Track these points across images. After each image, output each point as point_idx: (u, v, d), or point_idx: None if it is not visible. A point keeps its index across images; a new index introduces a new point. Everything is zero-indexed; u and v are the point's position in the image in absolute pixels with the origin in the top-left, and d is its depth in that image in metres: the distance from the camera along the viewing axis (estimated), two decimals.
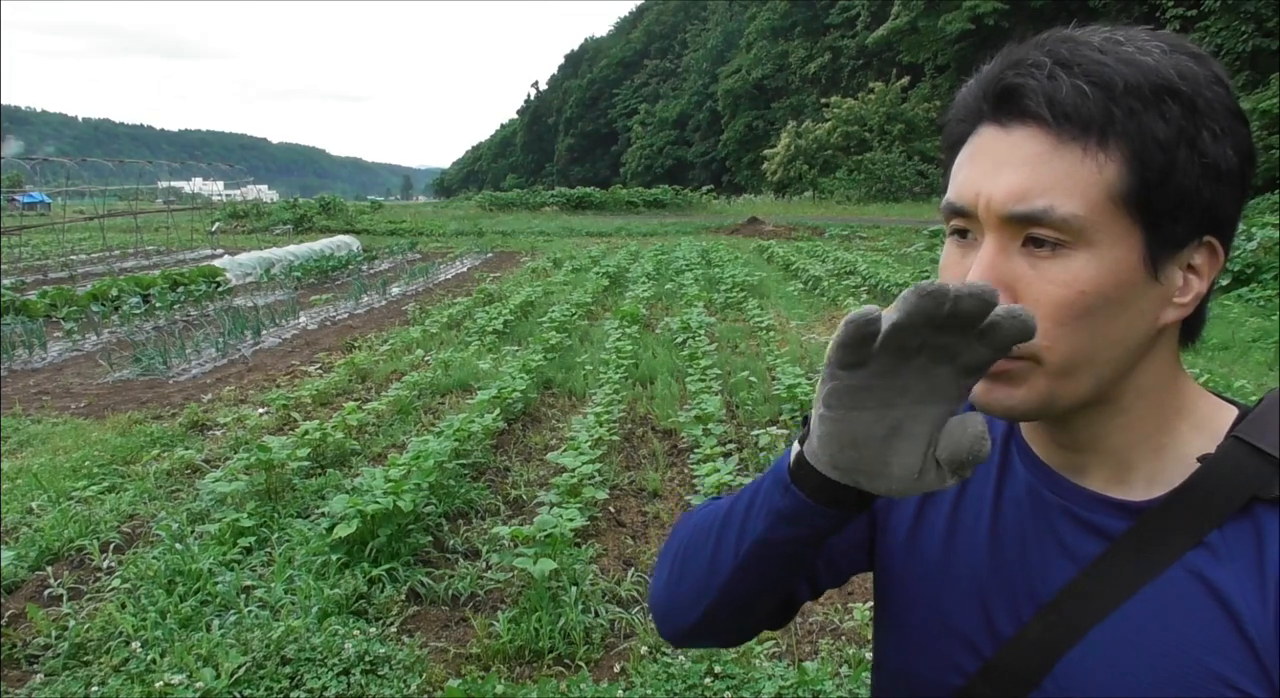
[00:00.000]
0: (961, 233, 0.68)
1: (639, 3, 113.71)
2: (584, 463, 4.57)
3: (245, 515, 4.21)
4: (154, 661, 3.06)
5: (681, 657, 3.17)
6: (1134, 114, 0.61)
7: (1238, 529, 0.65)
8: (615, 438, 5.61)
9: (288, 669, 3.02)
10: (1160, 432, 0.69)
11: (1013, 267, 0.64)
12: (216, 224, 30.10)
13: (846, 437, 0.60)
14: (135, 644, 3.16)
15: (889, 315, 0.55)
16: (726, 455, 5.09)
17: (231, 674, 2.92)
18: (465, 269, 17.65)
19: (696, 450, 5.23)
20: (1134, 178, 0.62)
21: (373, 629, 3.34)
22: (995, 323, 0.55)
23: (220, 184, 58.15)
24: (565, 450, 4.91)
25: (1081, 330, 0.63)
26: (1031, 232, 0.63)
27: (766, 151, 51.54)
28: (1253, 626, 0.62)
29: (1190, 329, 0.70)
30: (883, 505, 0.85)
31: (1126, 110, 0.61)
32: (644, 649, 3.27)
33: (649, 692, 2.97)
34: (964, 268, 0.67)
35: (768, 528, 0.69)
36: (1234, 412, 0.71)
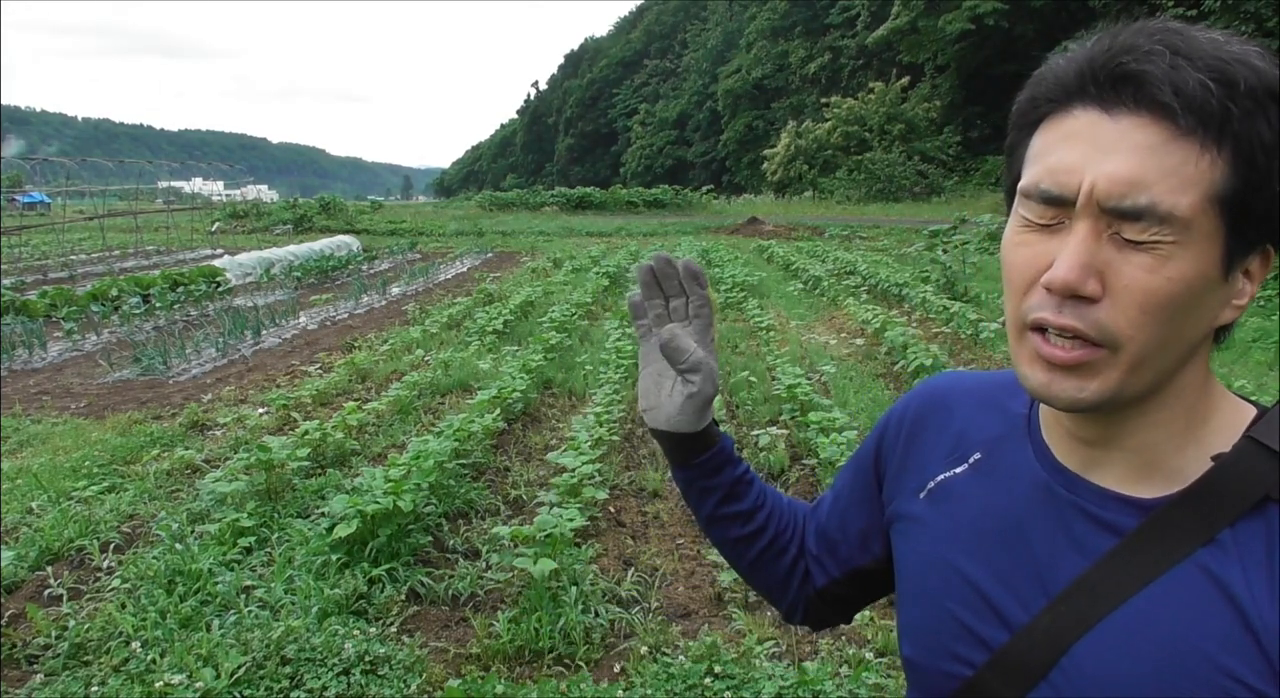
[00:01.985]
0: (1044, 223, 0.67)
1: (639, 3, 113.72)
2: (584, 463, 4.57)
3: (245, 515, 4.20)
4: (154, 661, 3.06)
5: (682, 657, 3.17)
6: (1249, 116, 0.61)
7: (1249, 528, 0.65)
8: (615, 438, 5.60)
9: (288, 669, 3.02)
10: (1187, 431, 0.70)
11: (1102, 252, 0.64)
12: (216, 224, 30.10)
13: (640, 391, 0.96)
14: (135, 644, 3.16)
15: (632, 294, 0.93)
16: None
17: (231, 674, 2.92)
18: (465, 269, 17.65)
19: None
20: (1238, 180, 0.62)
21: (373, 629, 3.34)
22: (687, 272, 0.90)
23: (220, 184, 58.13)
24: (565, 450, 4.90)
25: (1163, 322, 0.64)
26: (1124, 230, 0.63)
27: (766, 151, 51.52)
28: (1260, 623, 0.63)
29: (1223, 332, 0.71)
30: (891, 498, 0.89)
31: (1244, 111, 0.61)
32: (644, 649, 3.27)
33: (649, 692, 2.97)
34: (1043, 250, 0.66)
35: (676, 479, 1.02)
36: (1253, 412, 0.72)
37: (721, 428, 4.84)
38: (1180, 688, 0.64)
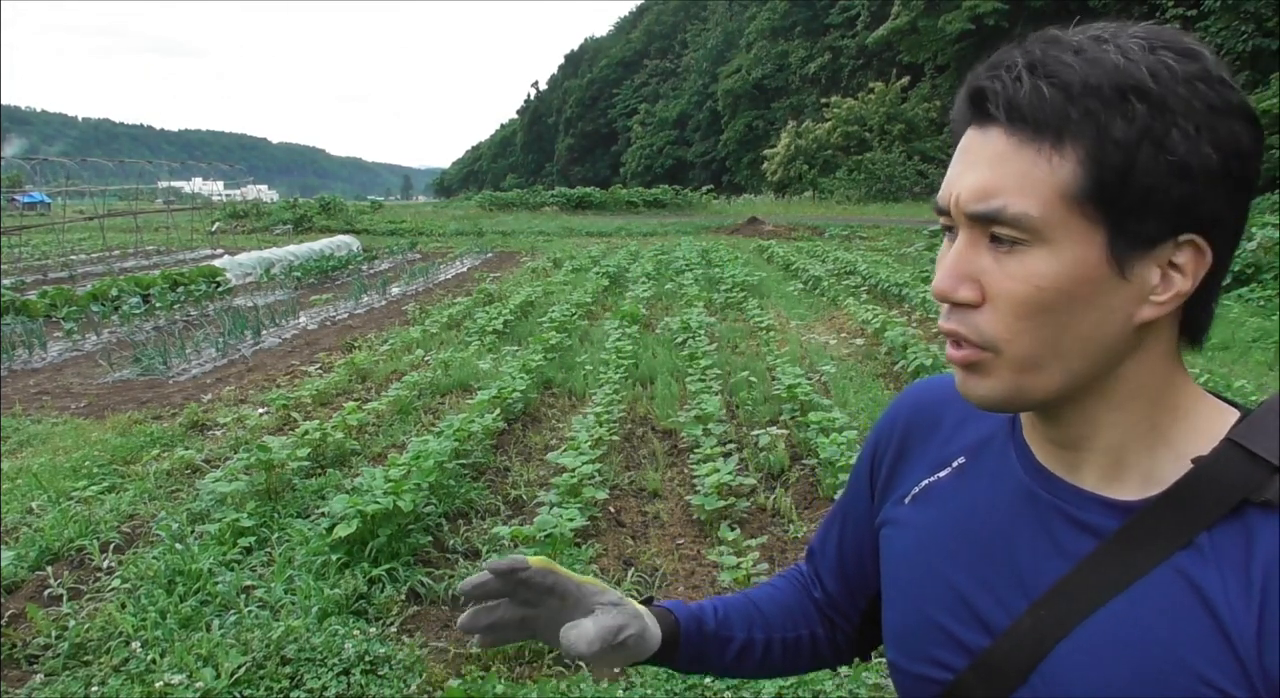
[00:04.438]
0: (949, 228, 0.71)
1: (639, 3, 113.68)
2: (584, 463, 4.57)
3: (245, 515, 4.21)
4: (154, 661, 3.06)
5: None
6: (1090, 115, 0.62)
7: (1227, 531, 0.65)
8: (615, 438, 5.61)
9: (288, 669, 3.02)
10: (1155, 430, 0.70)
11: (980, 260, 0.67)
12: (216, 224, 30.10)
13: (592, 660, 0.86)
14: (135, 644, 3.16)
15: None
16: (726, 455, 5.10)
17: (231, 674, 2.92)
18: (465, 269, 17.65)
19: (696, 450, 5.24)
20: (1089, 178, 0.62)
21: (373, 629, 3.34)
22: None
23: (220, 184, 58.08)
24: (565, 450, 4.91)
25: (1042, 326, 0.65)
26: (993, 229, 0.66)
27: (766, 151, 51.51)
28: (1235, 627, 0.62)
29: (1193, 330, 0.70)
30: (880, 507, 0.88)
31: (1083, 111, 0.62)
32: None
33: (649, 692, 2.97)
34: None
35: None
36: (1235, 415, 0.70)
37: (721, 428, 4.81)
38: (1156, 692, 0.64)
